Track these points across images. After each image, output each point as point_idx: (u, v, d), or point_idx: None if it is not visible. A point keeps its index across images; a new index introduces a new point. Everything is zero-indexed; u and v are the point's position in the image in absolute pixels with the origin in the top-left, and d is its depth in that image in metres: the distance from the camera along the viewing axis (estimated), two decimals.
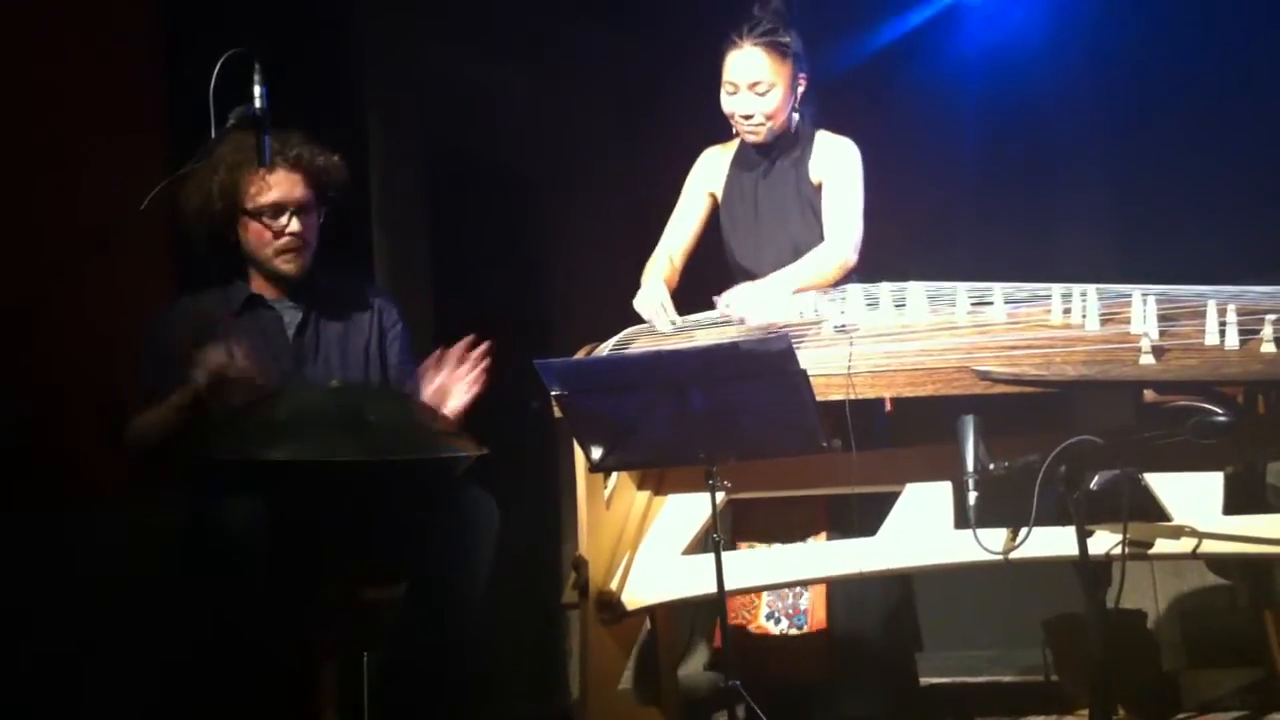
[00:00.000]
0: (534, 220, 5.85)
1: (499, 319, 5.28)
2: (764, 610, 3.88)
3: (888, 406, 3.77)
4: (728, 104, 3.86)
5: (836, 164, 3.84)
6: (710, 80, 3.89)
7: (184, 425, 3.23)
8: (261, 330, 3.47)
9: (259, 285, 3.51)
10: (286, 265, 3.46)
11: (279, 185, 3.42)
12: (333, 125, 3.55)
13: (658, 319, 3.72)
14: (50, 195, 3.79)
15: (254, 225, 3.43)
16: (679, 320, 3.73)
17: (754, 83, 3.80)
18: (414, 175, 5.03)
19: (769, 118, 3.84)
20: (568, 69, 5.66)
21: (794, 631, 3.85)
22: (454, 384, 3.41)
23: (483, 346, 3.41)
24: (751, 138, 3.89)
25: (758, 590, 3.81)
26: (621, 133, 5.99)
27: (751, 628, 3.88)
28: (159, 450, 3.27)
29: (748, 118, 3.84)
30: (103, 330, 3.74)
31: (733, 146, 4.01)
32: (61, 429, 3.71)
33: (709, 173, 4.03)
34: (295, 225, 3.44)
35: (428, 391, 3.41)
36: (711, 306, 3.76)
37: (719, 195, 4.01)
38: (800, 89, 3.87)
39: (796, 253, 3.81)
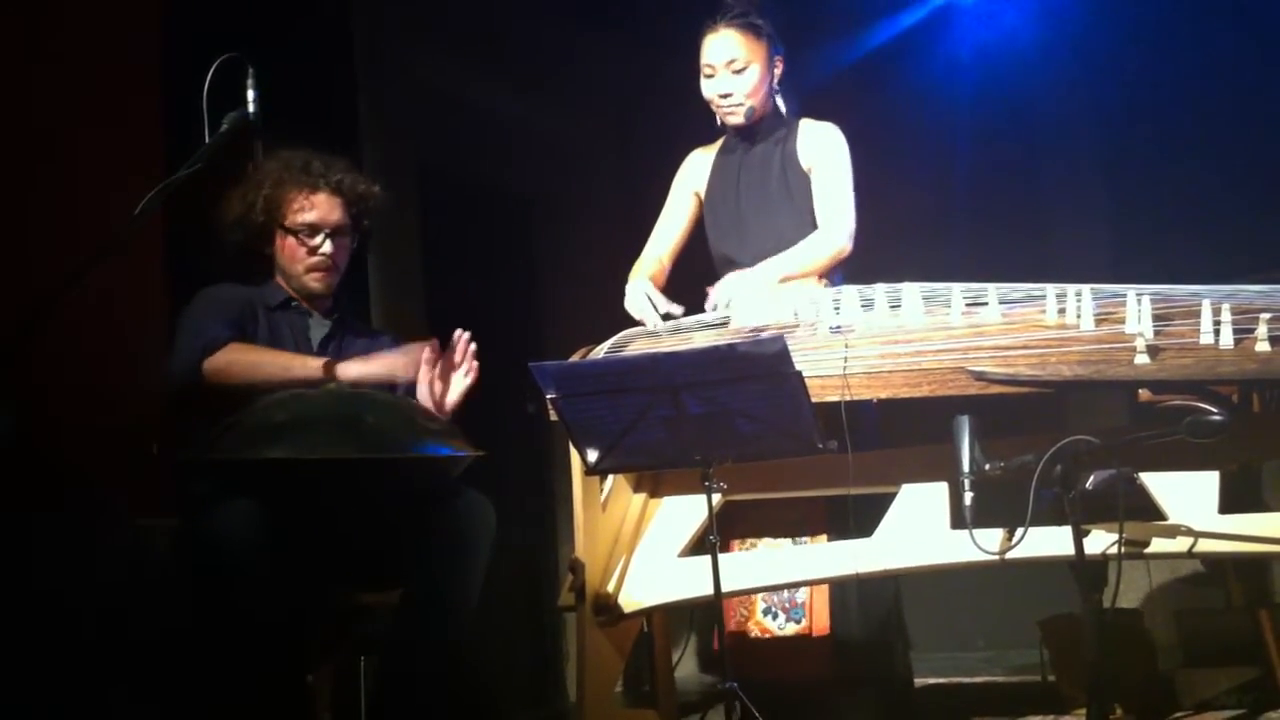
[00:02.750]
0: (527, 226, 5.86)
1: (493, 323, 5.30)
2: (760, 606, 3.89)
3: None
4: (707, 88, 3.90)
5: (825, 150, 3.87)
6: (699, 89, 3.91)
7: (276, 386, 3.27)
8: (293, 332, 3.54)
9: (289, 291, 3.57)
10: (314, 283, 3.54)
11: (319, 207, 3.50)
12: (327, 137, 3.58)
13: (646, 313, 3.74)
14: (48, 201, 3.80)
15: (289, 241, 3.51)
16: (674, 309, 3.74)
17: (730, 60, 3.84)
18: (407, 183, 5.04)
19: (748, 96, 3.88)
20: (559, 80, 5.67)
21: (792, 626, 3.85)
22: (449, 375, 3.44)
23: (467, 336, 3.45)
24: (732, 119, 3.92)
25: (753, 592, 3.81)
26: (613, 140, 6.01)
27: (750, 625, 3.89)
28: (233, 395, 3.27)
29: (726, 96, 3.87)
30: (92, 334, 3.74)
31: (716, 146, 4.05)
32: (57, 433, 3.71)
33: (693, 173, 4.06)
34: (328, 247, 3.52)
35: (423, 387, 3.43)
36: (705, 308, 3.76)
37: (702, 193, 4.03)
38: (777, 70, 3.90)
39: (779, 238, 3.83)
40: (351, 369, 3.36)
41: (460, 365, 3.44)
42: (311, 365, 3.37)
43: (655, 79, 5.55)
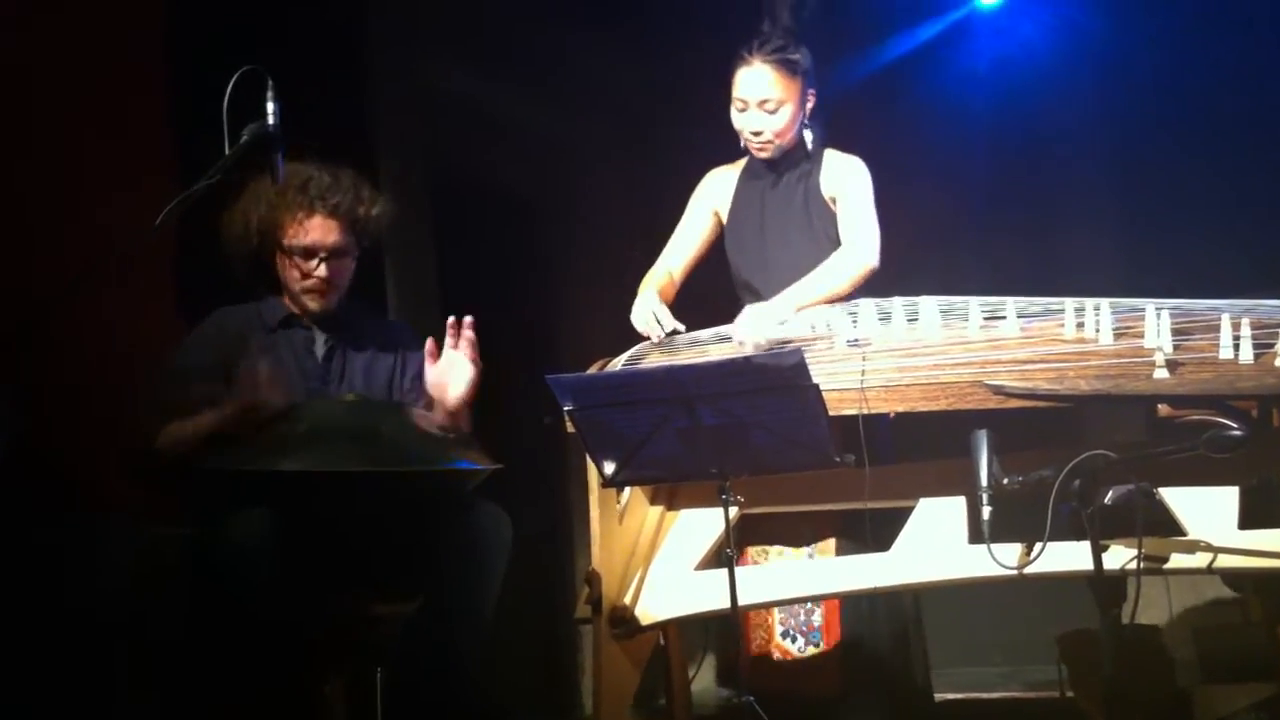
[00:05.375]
0: (543, 238, 5.85)
1: (509, 333, 5.30)
2: (778, 630, 3.88)
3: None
4: (738, 121, 3.87)
5: (849, 179, 3.85)
6: (714, 99, 3.91)
7: (212, 441, 3.26)
8: (293, 349, 3.54)
9: (292, 307, 3.58)
10: (311, 303, 3.56)
11: (314, 231, 3.50)
12: (343, 149, 3.59)
13: (650, 328, 3.73)
14: (63, 213, 3.81)
15: (285, 261, 3.53)
16: (679, 327, 3.73)
17: (763, 100, 3.82)
18: (422, 197, 5.04)
19: (778, 135, 3.85)
20: (574, 91, 5.67)
21: (811, 649, 3.84)
22: (451, 369, 3.42)
23: (467, 319, 3.43)
24: (761, 154, 3.90)
25: (770, 606, 3.80)
26: (628, 151, 5.99)
27: (771, 648, 3.87)
28: (185, 462, 3.29)
29: (757, 134, 3.85)
30: (106, 345, 3.75)
31: (738, 166, 4.03)
32: (68, 442, 3.72)
33: (714, 191, 4.04)
34: (323, 270, 3.53)
35: (429, 385, 3.44)
36: (720, 322, 3.76)
37: (724, 214, 4.02)
38: (809, 105, 3.88)
39: (800, 268, 3.81)
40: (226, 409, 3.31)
41: (461, 354, 3.40)
42: (203, 421, 3.31)
43: (671, 87, 5.55)
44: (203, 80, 3.07)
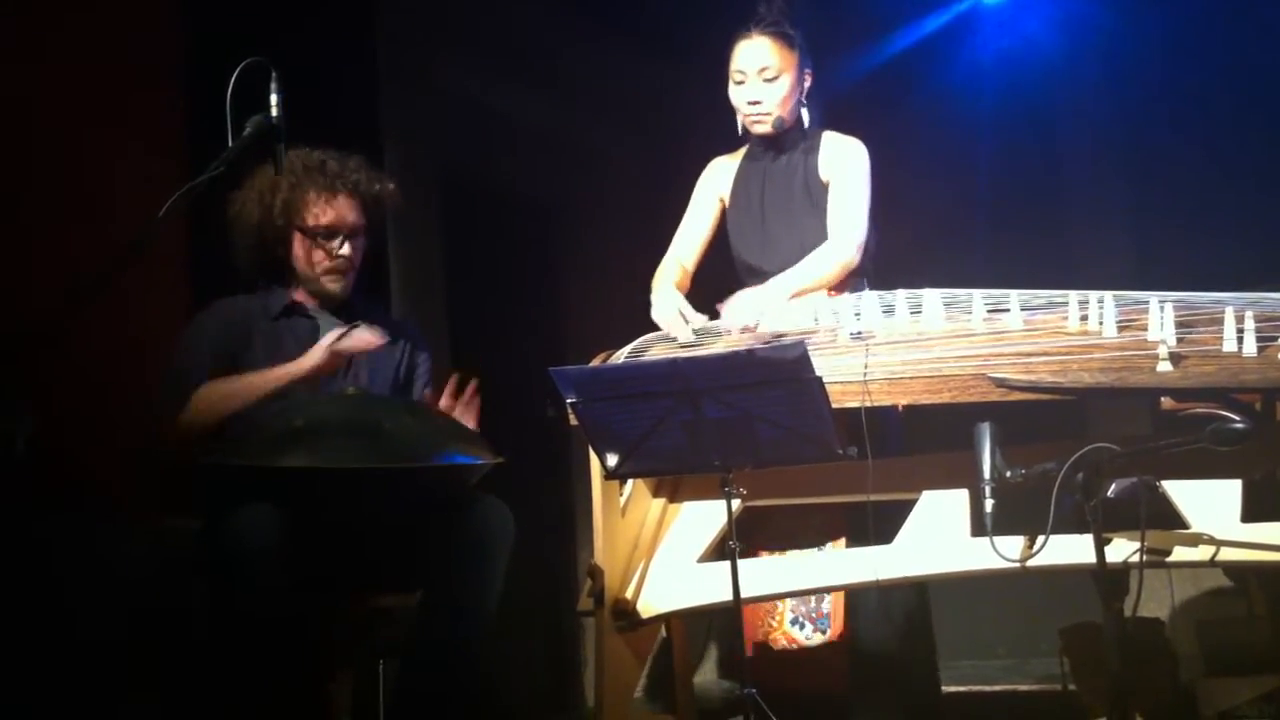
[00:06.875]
0: (548, 231, 5.87)
1: (514, 328, 5.31)
2: (788, 616, 3.88)
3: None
4: (736, 94, 3.88)
5: (844, 163, 3.86)
6: (719, 96, 3.91)
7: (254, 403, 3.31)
8: (297, 337, 3.52)
9: (299, 296, 3.57)
10: (331, 285, 3.55)
11: (337, 209, 3.51)
12: (349, 142, 3.59)
13: (677, 327, 3.71)
14: (72, 206, 3.81)
15: (306, 243, 3.52)
16: (701, 326, 3.72)
17: (762, 68, 3.84)
18: (428, 188, 5.05)
19: (777, 106, 3.86)
20: (579, 87, 5.68)
21: (819, 637, 3.84)
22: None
23: (470, 385, 3.47)
24: (759, 128, 3.90)
25: (772, 599, 3.80)
26: (633, 145, 6.01)
27: (776, 636, 3.88)
28: (189, 459, 3.29)
29: (755, 104, 3.85)
30: (119, 339, 3.75)
31: (739, 154, 4.04)
32: (75, 439, 3.72)
33: (717, 179, 4.04)
34: (346, 249, 3.53)
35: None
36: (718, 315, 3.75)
37: (727, 199, 4.02)
38: (806, 84, 3.90)
39: (803, 249, 3.81)
40: (306, 361, 3.37)
41: (459, 409, 3.44)
42: (274, 376, 3.37)
43: (676, 84, 5.56)
44: (215, 73, 3.07)
